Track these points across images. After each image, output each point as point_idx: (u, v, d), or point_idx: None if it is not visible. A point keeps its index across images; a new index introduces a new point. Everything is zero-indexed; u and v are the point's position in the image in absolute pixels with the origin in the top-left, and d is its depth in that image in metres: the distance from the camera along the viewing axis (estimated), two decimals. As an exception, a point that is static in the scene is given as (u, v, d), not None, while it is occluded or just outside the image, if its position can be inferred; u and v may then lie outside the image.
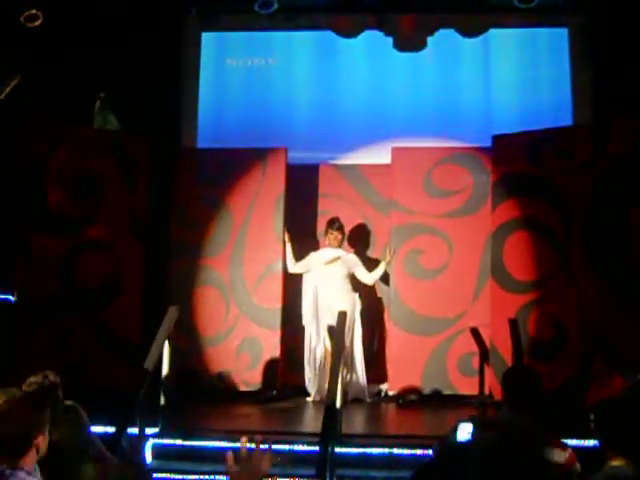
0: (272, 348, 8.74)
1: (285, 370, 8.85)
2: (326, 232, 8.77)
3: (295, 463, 6.22)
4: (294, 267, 8.80)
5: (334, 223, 8.73)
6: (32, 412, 3.15)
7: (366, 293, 8.84)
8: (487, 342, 8.46)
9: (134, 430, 6.12)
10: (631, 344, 7.24)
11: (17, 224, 8.38)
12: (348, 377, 8.35)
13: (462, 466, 3.62)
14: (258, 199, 9.01)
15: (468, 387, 8.54)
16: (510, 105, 9.87)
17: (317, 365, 8.56)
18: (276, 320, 8.79)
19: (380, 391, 8.92)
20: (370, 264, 9.03)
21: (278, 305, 8.83)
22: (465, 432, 3.72)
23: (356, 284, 8.72)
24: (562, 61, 9.81)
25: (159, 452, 6.52)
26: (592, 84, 9.46)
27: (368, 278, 8.71)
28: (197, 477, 6.23)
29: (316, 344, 8.61)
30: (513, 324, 7.99)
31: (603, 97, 9.17)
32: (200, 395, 8.48)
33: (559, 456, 3.69)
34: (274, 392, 8.64)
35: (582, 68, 9.62)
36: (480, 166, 8.84)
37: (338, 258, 8.64)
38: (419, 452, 6.17)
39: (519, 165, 8.35)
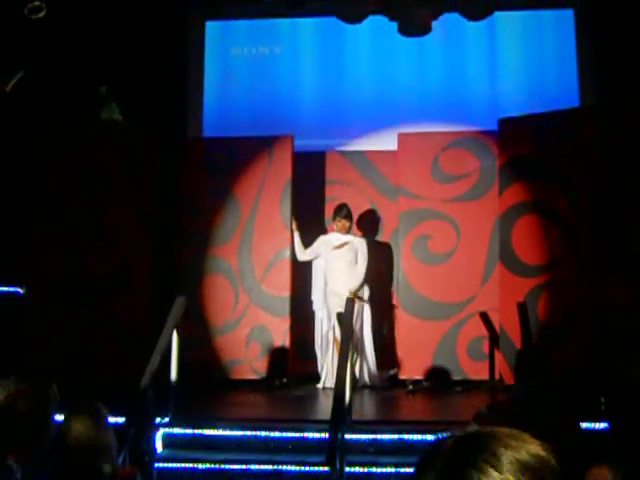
0: (282, 336, 8.75)
1: (295, 358, 8.86)
2: (334, 219, 8.74)
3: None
4: (303, 255, 8.79)
5: (342, 210, 8.70)
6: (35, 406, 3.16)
7: (376, 279, 8.83)
8: (497, 326, 8.44)
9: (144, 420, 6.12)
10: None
11: (26, 218, 8.39)
12: (358, 363, 8.35)
13: None
14: (265, 187, 9.00)
15: (478, 372, 8.53)
16: (516, 88, 9.85)
17: (328, 351, 8.57)
18: (285, 308, 8.79)
19: (390, 377, 8.92)
20: (377, 249, 9.03)
21: (287, 293, 8.83)
22: None
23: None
24: (568, 42, 9.76)
25: (169, 441, 6.53)
26: (598, 65, 9.41)
27: (360, 267, 8.62)
28: (208, 466, 6.25)
29: (327, 330, 8.62)
30: (522, 308, 7.97)
31: (610, 78, 9.12)
32: (210, 384, 8.49)
33: None
34: (284, 380, 8.65)
35: (588, 49, 9.56)
36: (487, 150, 8.80)
37: (346, 243, 8.61)
38: (430, 438, 6.17)
39: (526, 148, 8.30)
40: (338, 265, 8.58)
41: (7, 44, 8.72)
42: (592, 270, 7.67)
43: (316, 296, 8.86)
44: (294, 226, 8.79)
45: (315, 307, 8.84)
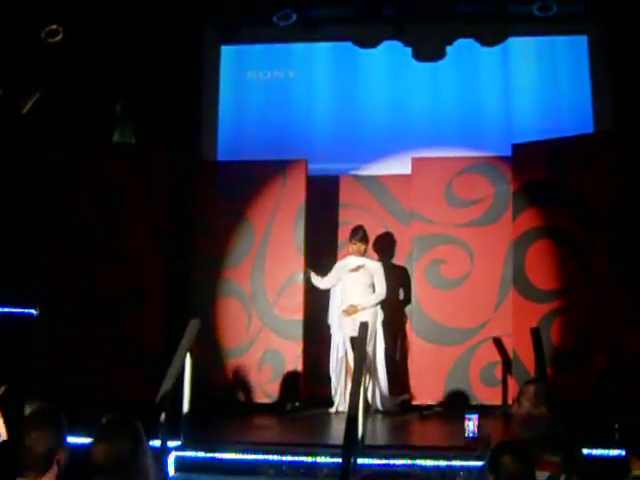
0: (294, 360, 8.73)
1: (307, 381, 8.83)
2: (349, 241, 8.70)
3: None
4: (321, 283, 8.75)
5: (357, 233, 8.62)
6: (51, 429, 3.16)
7: (388, 303, 8.80)
8: (510, 352, 8.42)
9: (156, 443, 6.10)
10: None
11: (39, 237, 8.43)
12: (371, 388, 8.30)
13: None
14: (279, 211, 9.01)
15: (491, 397, 8.49)
16: (530, 114, 9.85)
17: (342, 375, 8.52)
18: (298, 331, 8.77)
19: (403, 402, 8.87)
20: (392, 274, 9.01)
21: (300, 316, 8.81)
22: None
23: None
24: (582, 69, 9.79)
25: (182, 465, 6.50)
26: (612, 90, 9.42)
27: (379, 287, 8.58)
28: (220, 490, 6.23)
29: (342, 353, 8.58)
30: (535, 333, 7.94)
31: (623, 104, 9.12)
32: (222, 407, 8.46)
33: None
34: (297, 404, 8.61)
35: (602, 75, 9.58)
36: (500, 175, 8.81)
37: (362, 266, 8.56)
38: (442, 463, 6.13)
39: (540, 174, 8.30)
40: (354, 287, 8.52)
41: (24, 66, 8.79)
42: (607, 295, 7.64)
43: (333, 320, 8.82)
44: (306, 276, 8.80)
45: (332, 331, 8.81)
